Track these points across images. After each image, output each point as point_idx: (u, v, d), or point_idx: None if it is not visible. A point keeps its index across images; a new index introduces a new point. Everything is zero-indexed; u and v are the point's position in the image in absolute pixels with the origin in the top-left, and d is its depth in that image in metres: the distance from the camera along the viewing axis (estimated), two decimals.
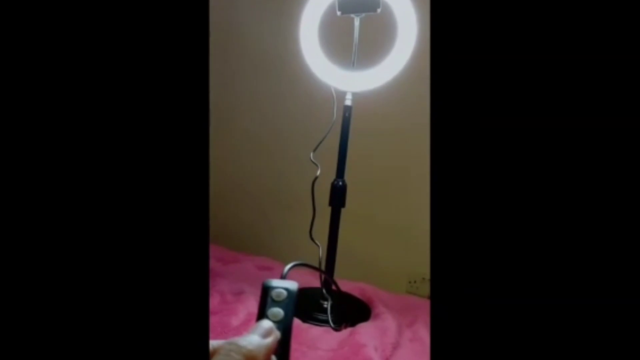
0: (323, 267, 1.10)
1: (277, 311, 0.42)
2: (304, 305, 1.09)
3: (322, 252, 1.10)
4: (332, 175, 1.10)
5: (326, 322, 1.04)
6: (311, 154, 1.11)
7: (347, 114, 1.08)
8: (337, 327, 1.02)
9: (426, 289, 1.38)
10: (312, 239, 1.11)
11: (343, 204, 1.11)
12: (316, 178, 1.11)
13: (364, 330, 1.02)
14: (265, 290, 0.44)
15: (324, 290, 1.09)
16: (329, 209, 1.11)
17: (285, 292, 0.43)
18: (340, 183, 1.10)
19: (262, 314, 0.42)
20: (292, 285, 0.44)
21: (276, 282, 0.44)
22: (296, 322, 1.02)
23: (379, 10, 1.01)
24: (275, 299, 0.43)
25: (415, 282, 1.40)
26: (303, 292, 1.17)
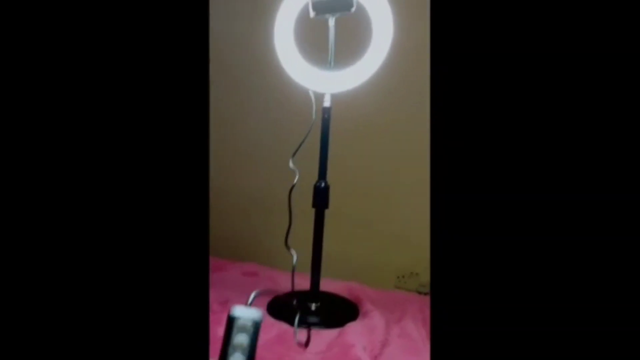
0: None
1: (243, 338, 0.47)
2: (291, 309, 1.08)
3: (296, 259, 1.11)
4: (314, 178, 1.10)
5: (315, 324, 1.04)
6: (290, 161, 1.10)
7: (326, 116, 1.08)
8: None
9: (414, 283, 1.39)
10: (287, 246, 1.11)
11: (326, 205, 1.11)
12: (293, 186, 1.10)
13: (352, 330, 1.03)
14: (231, 320, 0.49)
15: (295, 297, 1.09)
16: (313, 211, 1.11)
17: (250, 322, 0.48)
18: (323, 185, 1.10)
19: (227, 342, 0.48)
20: (257, 315, 0.49)
21: (241, 312, 0.49)
22: (284, 326, 1.02)
23: (353, 9, 1.00)
24: (241, 328, 0.48)
25: (403, 276, 1.41)
26: (292, 295, 1.17)
